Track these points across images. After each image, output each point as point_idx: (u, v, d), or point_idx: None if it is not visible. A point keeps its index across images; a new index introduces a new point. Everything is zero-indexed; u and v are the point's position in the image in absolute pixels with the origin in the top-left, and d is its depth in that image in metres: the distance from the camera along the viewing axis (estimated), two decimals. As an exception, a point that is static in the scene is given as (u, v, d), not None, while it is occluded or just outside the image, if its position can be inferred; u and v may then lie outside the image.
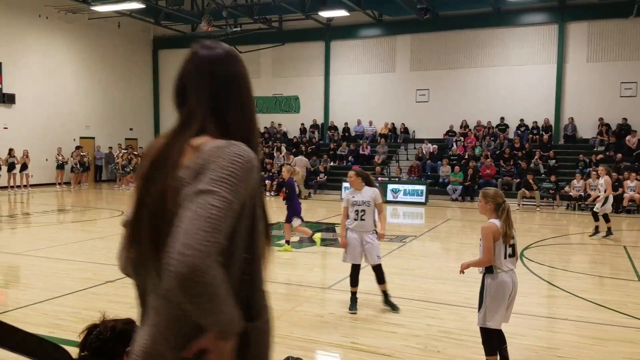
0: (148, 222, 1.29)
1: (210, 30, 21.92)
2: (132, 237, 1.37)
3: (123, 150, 24.50)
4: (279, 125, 26.58)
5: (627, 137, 19.86)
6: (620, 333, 5.63)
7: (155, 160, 1.38)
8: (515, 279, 4.41)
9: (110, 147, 25.77)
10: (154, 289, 1.30)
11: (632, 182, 16.59)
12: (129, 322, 1.69)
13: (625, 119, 20.45)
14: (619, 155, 18.74)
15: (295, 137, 25.68)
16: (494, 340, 4.44)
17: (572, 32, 21.53)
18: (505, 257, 4.33)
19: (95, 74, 25.93)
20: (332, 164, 23.27)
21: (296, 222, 9.58)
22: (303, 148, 24.36)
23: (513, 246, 4.38)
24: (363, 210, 6.18)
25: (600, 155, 19.42)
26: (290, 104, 26.87)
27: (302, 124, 26.06)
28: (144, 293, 1.36)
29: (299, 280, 7.73)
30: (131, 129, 28.11)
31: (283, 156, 23.66)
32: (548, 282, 7.85)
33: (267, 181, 21.99)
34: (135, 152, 24.84)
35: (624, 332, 5.65)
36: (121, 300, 6.49)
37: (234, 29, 23.85)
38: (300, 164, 21.61)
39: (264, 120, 27.06)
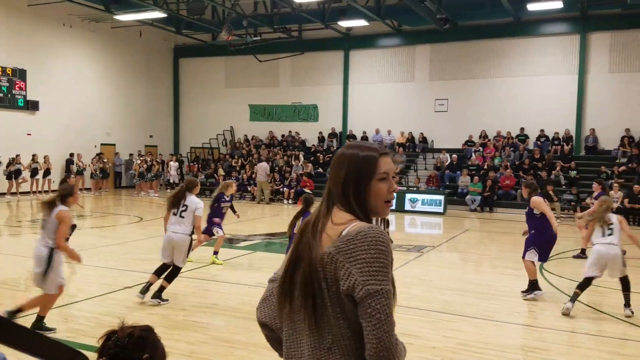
0: (302, 289, 1.59)
1: (231, 39, 22.14)
2: (284, 297, 1.65)
3: (140, 158, 24.79)
4: (297, 133, 26.68)
5: (650, 149, 19.51)
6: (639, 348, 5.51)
7: (304, 231, 1.67)
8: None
9: (131, 154, 26.11)
10: (311, 342, 1.59)
11: (657, 195, 16.26)
12: (147, 329, 1.70)
13: (649, 131, 20.10)
14: (643, 168, 18.42)
15: (313, 145, 25.74)
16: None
17: (594, 43, 21.26)
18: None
19: (116, 82, 26.35)
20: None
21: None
22: (321, 157, 24.39)
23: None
24: None
25: (623, 167, 19.09)
26: (309, 113, 26.96)
27: (321, 133, 26.11)
28: (293, 342, 1.65)
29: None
30: (151, 136, 28.45)
31: (301, 164, 23.72)
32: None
33: (285, 189, 22.05)
34: (157, 160, 25.13)
35: (647, 349, 5.52)
36: (139, 307, 6.54)
37: (254, 38, 24.07)
38: (260, 171, 21.69)
39: (282, 129, 27.20)
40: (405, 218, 17.93)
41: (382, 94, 25.16)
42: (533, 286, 7.50)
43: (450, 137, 23.34)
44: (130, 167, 25.54)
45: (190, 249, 7.01)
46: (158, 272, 6.85)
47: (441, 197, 18.88)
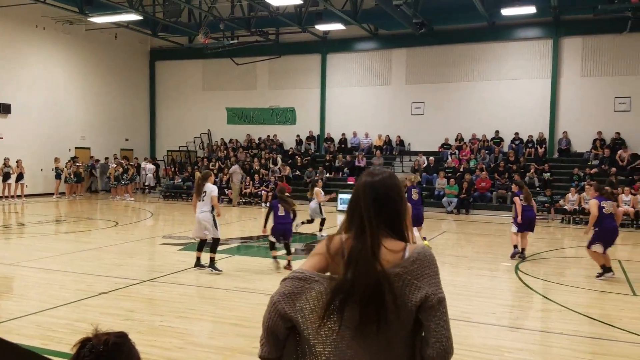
0: (367, 303, 1.76)
1: (208, 42, 22.02)
2: (335, 310, 1.79)
3: (114, 162, 24.46)
4: (275, 136, 26.65)
5: (619, 152, 20.00)
6: (615, 348, 5.63)
7: (354, 254, 1.82)
8: None
9: (107, 158, 25.74)
10: (376, 350, 1.78)
11: (627, 197, 16.67)
12: (122, 336, 1.68)
13: (619, 134, 20.60)
14: (613, 170, 18.85)
15: (291, 148, 25.73)
16: None
17: (567, 47, 21.74)
18: None
19: (91, 85, 25.97)
20: (328, 175, 23.31)
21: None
22: (299, 159, 24.40)
23: None
24: None
25: (595, 169, 19.53)
26: (286, 116, 26.96)
27: (298, 136, 26.12)
28: (343, 348, 1.80)
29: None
30: (127, 140, 28.11)
31: (279, 167, 23.68)
32: (543, 296, 7.85)
33: (263, 192, 21.99)
34: (132, 163, 24.82)
35: (619, 347, 5.65)
36: (114, 312, 6.45)
37: (231, 42, 23.98)
38: (235, 176, 21.58)
39: (260, 132, 27.13)
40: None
41: (359, 97, 25.30)
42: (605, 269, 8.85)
43: (427, 140, 23.58)
44: (105, 170, 25.17)
45: (215, 222, 8.74)
46: (199, 248, 8.90)
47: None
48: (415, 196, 11.02)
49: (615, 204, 9.30)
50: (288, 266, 9.13)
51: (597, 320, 6.58)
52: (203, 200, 8.80)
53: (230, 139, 27.41)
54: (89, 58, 25.64)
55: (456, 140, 23.17)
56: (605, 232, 8.79)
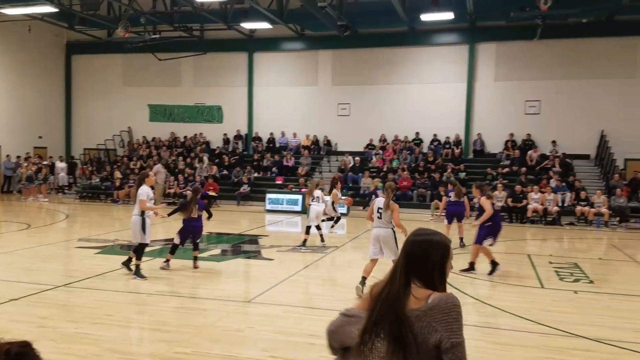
0: (392, 340, 2.01)
1: (128, 36, 21.19)
2: (365, 345, 2.06)
3: (26, 161, 23.03)
4: (201, 134, 26.14)
5: (529, 153, 21.35)
6: (524, 339, 6.01)
7: (380, 296, 2.11)
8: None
9: (18, 157, 24.15)
10: None
11: (536, 195, 17.81)
12: (25, 345, 1.61)
13: (529, 135, 21.98)
14: (523, 169, 20.09)
15: (218, 147, 25.34)
16: None
17: (482, 53, 22.91)
18: None
19: (2, 80, 24.28)
20: (256, 175, 23.17)
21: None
22: (226, 159, 24.07)
23: None
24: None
25: (507, 169, 20.70)
26: (212, 114, 26.51)
27: (225, 135, 25.77)
28: None
29: (219, 294, 7.61)
30: (40, 137, 26.49)
31: (206, 167, 23.25)
32: (458, 290, 8.23)
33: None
34: (45, 162, 23.45)
35: (528, 338, 6.03)
36: (26, 320, 6.10)
37: (153, 36, 23.21)
38: (159, 175, 21.08)
39: (185, 130, 26.51)
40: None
41: (287, 97, 25.34)
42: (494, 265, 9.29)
43: (353, 141, 24.02)
44: (17, 170, 23.61)
45: (144, 226, 8.36)
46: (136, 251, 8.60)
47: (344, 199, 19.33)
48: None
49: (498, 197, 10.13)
50: (195, 263, 9.21)
51: (507, 312, 6.99)
52: (134, 203, 8.65)
53: (153, 137, 26.58)
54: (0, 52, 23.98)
55: (380, 141, 23.79)
56: (497, 227, 9.48)
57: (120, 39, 22.36)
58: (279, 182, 22.25)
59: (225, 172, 23.45)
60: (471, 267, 9.40)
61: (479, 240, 9.39)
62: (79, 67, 27.97)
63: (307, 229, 11.97)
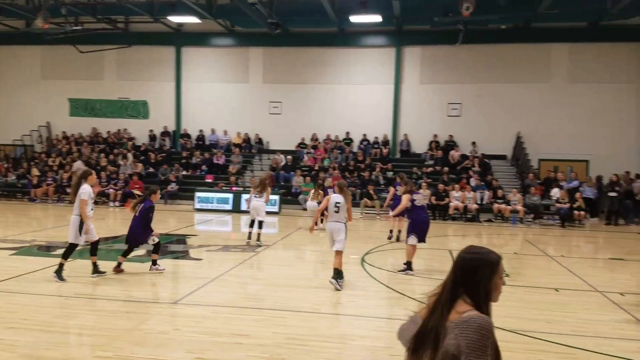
0: (432, 346, 2.23)
1: (47, 27, 20.04)
2: (415, 351, 2.30)
3: None
4: (125, 130, 25.20)
5: (451, 153, 22.29)
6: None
7: (434, 309, 2.30)
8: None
9: None
10: None
11: (457, 193, 18.61)
12: None
13: (452, 136, 22.94)
14: (446, 169, 20.96)
15: (144, 144, 24.52)
16: None
17: (408, 55, 23.62)
18: None
19: None
20: (184, 173, 22.64)
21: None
22: (153, 156, 23.34)
23: None
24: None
25: (430, 168, 21.50)
26: (138, 109, 25.62)
27: (152, 131, 24.99)
28: None
29: (144, 296, 7.40)
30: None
31: (130, 164, 22.45)
32: (385, 285, 8.48)
33: (111, 190, 20.68)
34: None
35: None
36: None
37: (74, 28, 22.07)
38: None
39: (107, 126, 25.46)
40: (241, 218, 18.02)
41: (217, 94, 24.96)
42: (409, 266, 9.38)
43: (285, 139, 24.05)
44: None
45: (81, 227, 8.19)
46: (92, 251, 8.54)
47: (276, 197, 19.33)
48: None
49: (424, 195, 10.34)
50: (117, 268, 8.80)
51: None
52: (74, 203, 8.38)
53: (73, 133, 25.33)
54: None
55: (311, 140, 23.96)
56: (417, 223, 9.48)
57: (39, 30, 21.07)
58: (209, 180, 21.87)
59: (151, 169, 22.75)
60: (408, 267, 9.41)
61: (406, 239, 9.59)
62: (-8, 57, 26.17)
63: (252, 223, 12.25)
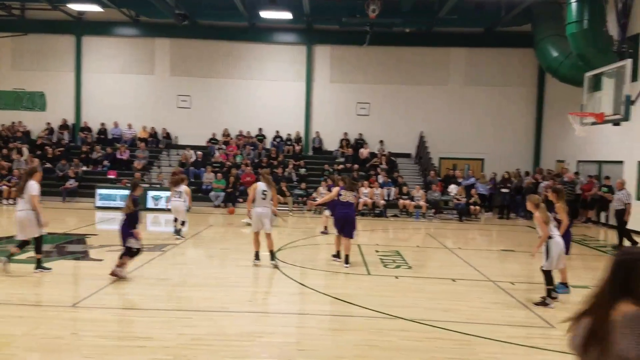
0: (599, 343, 2.26)
1: None
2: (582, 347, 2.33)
3: None
4: (20, 123, 23.41)
5: (360, 150, 22.94)
6: (351, 323, 6.49)
7: (595, 310, 2.34)
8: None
9: None
10: None
11: (366, 189, 19.17)
12: None
13: (361, 134, 23.59)
14: (355, 166, 21.53)
15: (40, 137, 22.91)
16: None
17: (318, 54, 23.95)
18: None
19: None
20: (84, 168, 21.42)
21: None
22: (50, 150, 21.86)
23: None
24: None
25: (341, 166, 21.98)
26: (34, 101, 23.91)
27: (49, 124, 23.42)
28: None
29: (38, 299, 6.96)
30: None
31: (25, 159, 20.89)
32: (296, 281, 8.59)
33: (4, 187, 19.14)
34: None
35: (354, 322, 6.52)
36: None
37: (-40, 11, 20.21)
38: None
39: (2, 118, 23.54)
40: (148, 216, 17.41)
41: (120, 85, 23.87)
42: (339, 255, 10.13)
43: (195, 134, 23.50)
44: None
45: (39, 221, 8.36)
46: (21, 246, 8.54)
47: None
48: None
49: (355, 194, 10.59)
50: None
51: (339, 299, 7.48)
52: (23, 198, 8.43)
53: (-41, 125, 23.18)
54: None
55: (223, 135, 23.60)
56: (337, 216, 10.11)
57: None
58: (112, 176, 20.87)
59: (48, 165, 21.31)
60: (338, 256, 10.17)
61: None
62: None
63: (175, 219, 12.67)
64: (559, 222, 8.12)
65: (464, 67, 23.71)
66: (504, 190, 19.89)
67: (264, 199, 9.39)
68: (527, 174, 21.37)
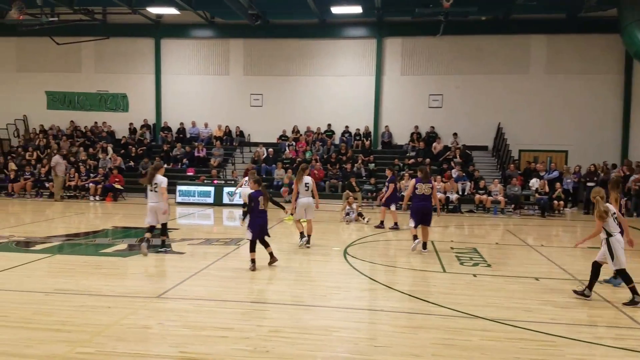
0: None
1: (22, 18, 19.62)
2: None
3: None
4: (104, 123, 24.85)
5: (433, 144, 22.43)
6: (427, 321, 6.33)
7: None
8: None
9: None
10: None
11: (439, 184, 18.72)
12: None
13: (433, 127, 23.07)
14: (428, 160, 21.07)
15: (124, 137, 24.22)
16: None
17: (389, 47, 23.65)
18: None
19: None
20: (165, 166, 22.37)
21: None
22: (133, 149, 23.07)
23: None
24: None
25: (412, 160, 21.61)
26: (117, 102, 25.31)
27: (132, 124, 24.70)
28: None
29: (125, 291, 7.33)
30: None
31: (110, 158, 22.16)
32: (368, 277, 8.52)
33: (91, 185, 20.40)
34: None
35: (430, 320, 6.36)
36: None
37: (50, 19, 21.63)
38: (59, 167, 19.96)
39: (86, 119, 25.10)
40: (223, 212, 17.97)
41: (197, 86, 24.75)
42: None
43: (266, 132, 23.97)
44: None
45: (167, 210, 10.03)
46: (150, 230, 9.91)
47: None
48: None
49: (430, 185, 10.66)
50: None
51: (413, 296, 7.34)
52: (156, 192, 9.87)
53: (51, 126, 24.92)
54: None
55: (293, 132, 23.90)
56: (414, 208, 10.60)
57: (13, 21, 20.64)
58: (190, 173, 21.71)
59: (131, 163, 22.49)
60: (415, 239, 10.50)
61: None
62: (-35, 49, 25.60)
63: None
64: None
65: (545, 54, 22.60)
66: (590, 184, 18.79)
67: (307, 190, 10.68)
68: (614, 166, 20.08)
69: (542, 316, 6.55)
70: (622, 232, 7.30)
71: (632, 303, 6.99)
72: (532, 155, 22.34)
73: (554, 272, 9.11)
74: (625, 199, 16.74)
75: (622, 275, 7.18)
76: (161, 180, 10.01)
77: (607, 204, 7.27)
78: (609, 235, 7.10)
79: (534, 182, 18.74)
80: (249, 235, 8.77)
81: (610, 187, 8.10)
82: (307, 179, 10.74)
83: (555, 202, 17.97)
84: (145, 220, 10.00)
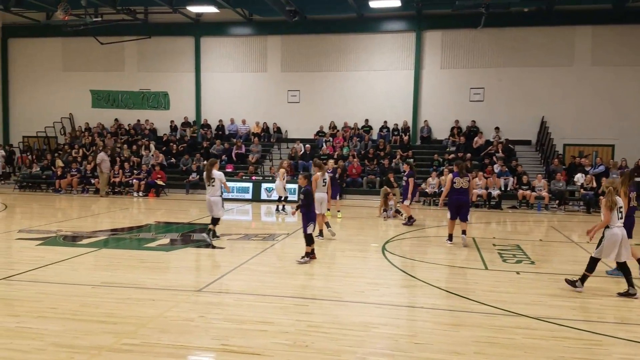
0: None
1: (68, 19, 20.27)
2: None
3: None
4: (146, 121, 25.45)
5: (475, 139, 22.00)
6: (469, 318, 6.22)
7: None
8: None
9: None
10: None
11: (480, 180, 18.37)
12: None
13: (474, 122, 22.63)
14: (468, 155, 20.69)
15: (165, 134, 24.75)
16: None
17: (428, 40, 23.32)
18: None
19: None
20: (205, 163, 22.76)
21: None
22: (174, 147, 23.54)
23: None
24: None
25: (452, 155, 21.27)
26: (159, 100, 25.86)
27: (173, 122, 25.20)
28: None
29: (168, 284, 7.49)
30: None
31: (152, 155, 22.68)
32: (407, 273, 8.44)
33: (135, 181, 20.94)
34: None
35: (472, 317, 6.25)
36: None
37: (94, 19, 22.27)
38: (104, 164, 20.40)
39: (129, 117, 25.75)
40: (261, 207, 18.14)
41: (235, 83, 25.03)
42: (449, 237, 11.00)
43: (303, 128, 24.04)
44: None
45: (223, 204, 10.99)
46: (214, 222, 10.94)
47: (295, 186, 19.33)
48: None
49: (467, 179, 10.65)
50: None
51: (454, 293, 7.23)
52: (213, 186, 10.64)
53: (97, 124, 25.69)
54: None
55: (330, 128, 23.88)
56: (450, 202, 10.77)
57: (59, 22, 21.37)
58: (229, 170, 21.99)
59: (173, 160, 22.96)
60: (449, 239, 10.91)
61: None
62: (16, 51, 26.65)
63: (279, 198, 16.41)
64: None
65: (591, 46, 21.83)
66: (638, 179, 18.04)
67: (324, 185, 11.10)
68: (664, 161, 19.23)
69: (587, 315, 6.36)
70: (625, 226, 7.36)
71: (573, 284, 7.39)
72: (577, 150, 21.64)
73: (599, 270, 8.79)
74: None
75: (591, 263, 7.32)
76: (218, 174, 10.71)
77: (617, 197, 7.30)
78: (607, 226, 7.23)
79: (579, 177, 18.16)
80: (310, 229, 9.00)
81: (621, 181, 8.01)
82: (325, 175, 11.27)
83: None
84: (217, 213, 10.84)
